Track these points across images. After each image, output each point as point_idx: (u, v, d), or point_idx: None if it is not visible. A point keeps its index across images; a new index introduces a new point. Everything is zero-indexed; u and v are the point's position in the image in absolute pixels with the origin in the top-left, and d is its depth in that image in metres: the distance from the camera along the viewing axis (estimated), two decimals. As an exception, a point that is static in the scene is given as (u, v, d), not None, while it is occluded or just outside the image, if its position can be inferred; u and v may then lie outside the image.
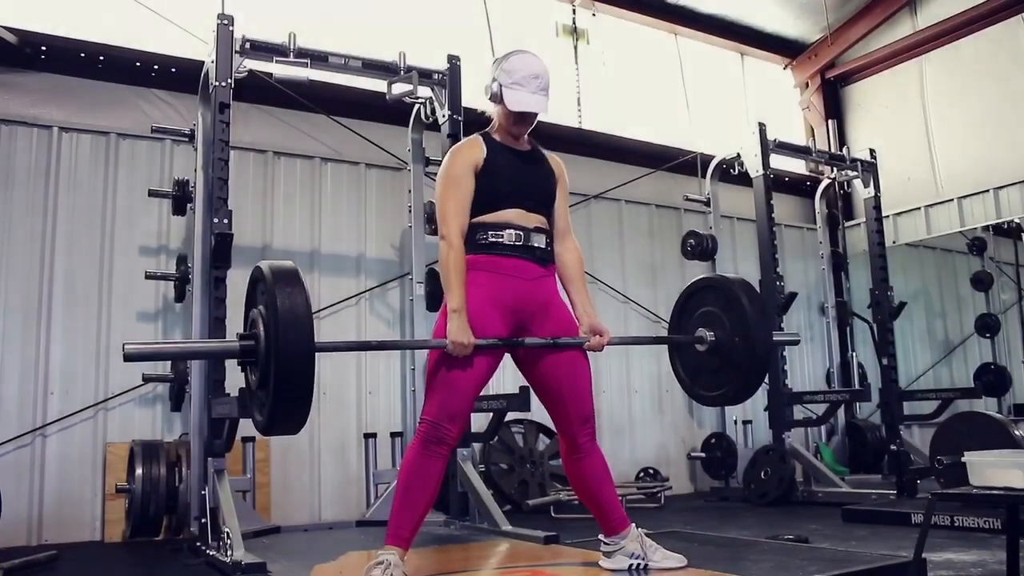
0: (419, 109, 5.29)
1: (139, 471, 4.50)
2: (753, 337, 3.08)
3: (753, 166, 6.52)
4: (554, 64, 7.43)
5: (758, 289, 6.28)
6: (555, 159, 3.05)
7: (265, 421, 2.46)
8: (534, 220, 2.87)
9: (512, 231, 2.80)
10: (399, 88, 4.97)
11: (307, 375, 2.36)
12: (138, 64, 5.53)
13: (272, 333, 2.36)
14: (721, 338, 3.15)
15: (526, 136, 2.97)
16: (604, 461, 2.93)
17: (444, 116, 5.00)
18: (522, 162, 2.92)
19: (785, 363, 6.40)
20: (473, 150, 2.85)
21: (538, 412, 4.81)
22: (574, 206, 6.95)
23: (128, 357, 2.51)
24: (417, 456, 2.71)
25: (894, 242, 8.02)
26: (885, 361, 6.54)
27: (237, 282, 4.91)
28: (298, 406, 2.40)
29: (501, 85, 2.85)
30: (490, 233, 2.79)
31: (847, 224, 8.28)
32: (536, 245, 2.84)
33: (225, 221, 4.23)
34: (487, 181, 2.81)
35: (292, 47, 4.64)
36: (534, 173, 2.94)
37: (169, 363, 4.97)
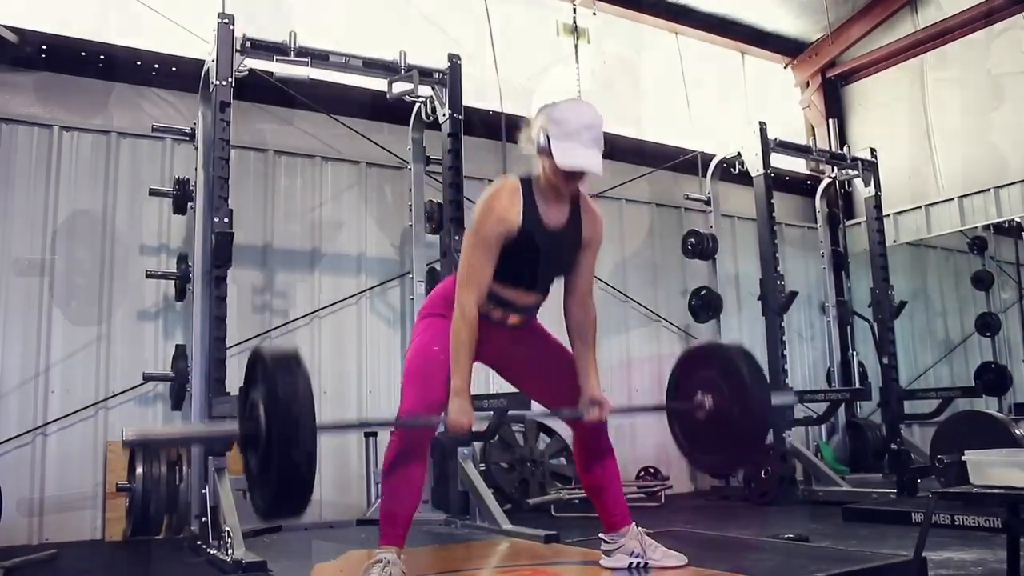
0: (420, 108, 5.30)
1: (140, 470, 4.49)
2: (752, 408, 3.03)
3: (754, 165, 6.52)
4: (554, 63, 7.54)
5: (761, 283, 6.39)
6: (593, 219, 2.80)
7: (266, 508, 2.41)
8: (531, 299, 2.79)
9: (500, 310, 2.74)
10: (400, 87, 4.98)
11: (309, 466, 2.29)
12: (138, 63, 5.53)
13: (274, 424, 2.29)
14: (720, 406, 3.08)
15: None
16: (613, 454, 2.94)
17: (445, 115, 5.00)
18: (552, 243, 2.69)
19: (786, 362, 6.40)
20: (509, 214, 2.62)
21: (539, 411, 4.81)
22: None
23: (128, 443, 2.48)
24: (398, 453, 2.73)
25: (895, 241, 8.02)
26: (886, 360, 6.54)
27: (237, 281, 4.95)
28: (300, 494, 2.33)
29: (549, 137, 2.58)
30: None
31: (848, 223, 8.27)
32: (514, 322, 2.79)
33: (226, 220, 4.24)
34: (506, 257, 2.64)
35: (292, 46, 4.64)
36: (559, 253, 2.74)
37: (170, 362, 4.98)
